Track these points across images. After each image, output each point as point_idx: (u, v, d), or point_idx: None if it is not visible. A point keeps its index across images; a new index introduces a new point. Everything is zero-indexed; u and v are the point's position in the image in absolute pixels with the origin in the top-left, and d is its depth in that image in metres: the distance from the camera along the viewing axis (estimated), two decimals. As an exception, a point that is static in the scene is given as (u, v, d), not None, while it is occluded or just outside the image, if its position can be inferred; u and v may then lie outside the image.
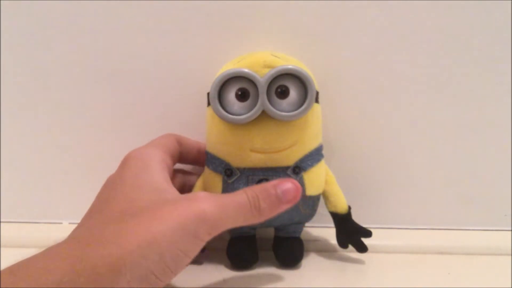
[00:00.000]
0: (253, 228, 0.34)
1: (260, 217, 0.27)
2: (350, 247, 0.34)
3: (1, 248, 0.35)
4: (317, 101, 0.31)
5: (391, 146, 0.38)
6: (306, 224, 0.34)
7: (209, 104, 0.31)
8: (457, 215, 0.39)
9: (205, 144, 0.33)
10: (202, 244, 0.25)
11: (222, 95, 0.30)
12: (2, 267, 0.22)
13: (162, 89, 0.37)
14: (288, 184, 0.27)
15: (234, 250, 0.33)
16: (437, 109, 0.37)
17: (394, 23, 0.35)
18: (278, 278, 0.32)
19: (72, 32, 0.37)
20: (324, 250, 0.36)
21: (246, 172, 0.30)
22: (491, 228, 0.39)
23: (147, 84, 0.38)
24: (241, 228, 0.33)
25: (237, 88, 0.29)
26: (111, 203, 0.26)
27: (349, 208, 0.33)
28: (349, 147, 0.38)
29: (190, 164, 0.35)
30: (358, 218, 0.33)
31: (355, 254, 0.34)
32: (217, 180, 0.31)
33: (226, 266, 0.34)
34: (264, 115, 0.29)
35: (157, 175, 0.28)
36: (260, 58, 0.30)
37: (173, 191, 0.28)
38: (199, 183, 0.33)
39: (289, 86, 0.29)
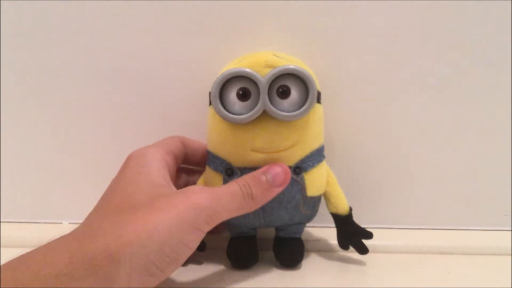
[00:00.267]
0: (253, 228, 0.34)
1: (254, 203, 0.28)
2: (351, 247, 0.34)
3: (1, 248, 0.35)
4: (318, 101, 0.31)
5: (392, 147, 0.38)
6: (307, 224, 0.34)
7: (210, 103, 0.31)
8: (457, 215, 0.39)
9: None
10: (201, 235, 0.26)
11: (223, 95, 0.30)
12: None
13: (164, 89, 0.37)
14: (277, 169, 0.29)
15: (234, 250, 0.33)
16: (437, 110, 0.37)
17: (394, 23, 0.35)
18: (278, 278, 0.32)
19: (73, 32, 0.37)
20: (324, 250, 0.36)
21: (247, 172, 0.30)
22: (491, 228, 0.39)
23: (148, 84, 0.37)
24: (241, 228, 0.33)
25: (238, 87, 0.29)
26: (110, 199, 0.27)
27: (350, 209, 0.33)
28: (351, 148, 0.38)
29: (195, 166, 0.36)
30: (359, 218, 0.33)
31: (355, 255, 0.34)
32: (217, 180, 0.31)
33: (226, 266, 0.34)
34: (265, 115, 0.29)
35: (156, 172, 0.29)
36: (261, 58, 0.30)
37: (170, 187, 0.28)
38: (200, 182, 0.33)
39: (290, 86, 0.29)
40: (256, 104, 0.29)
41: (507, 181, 0.38)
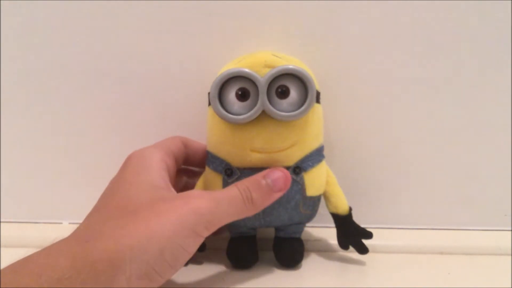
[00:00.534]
0: (253, 228, 0.34)
1: (254, 208, 0.28)
2: (351, 247, 0.34)
3: (1, 248, 0.35)
4: (318, 101, 0.31)
5: (392, 147, 0.38)
6: (307, 224, 0.34)
7: (209, 104, 0.31)
8: (457, 215, 0.39)
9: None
10: (201, 240, 0.26)
11: (222, 95, 0.30)
12: (2, 267, 0.22)
13: (163, 89, 0.37)
14: (277, 173, 0.29)
15: (234, 250, 0.33)
16: (437, 109, 0.37)
17: (394, 23, 0.35)
18: (278, 278, 0.32)
19: (72, 32, 0.37)
20: (324, 250, 0.36)
21: (246, 172, 0.30)
22: (491, 228, 0.39)
23: (148, 84, 0.38)
24: (241, 228, 0.33)
25: (237, 88, 0.29)
26: (110, 201, 0.27)
27: (350, 209, 0.33)
28: (350, 148, 0.38)
29: (196, 166, 0.36)
30: (359, 218, 0.33)
31: (355, 255, 0.34)
32: (217, 180, 0.31)
33: (226, 266, 0.34)
34: (264, 115, 0.29)
35: (155, 174, 0.29)
36: (260, 58, 0.30)
37: (169, 190, 0.28)
38: (200, 182, 0.33)
39: (289, 86, 0.29)
40: (255, 104, 0.29)
41: (507, 181, 0.38)
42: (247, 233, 0.34)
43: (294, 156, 0.30)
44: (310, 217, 0.33)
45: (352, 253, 0.34)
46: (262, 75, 0.29)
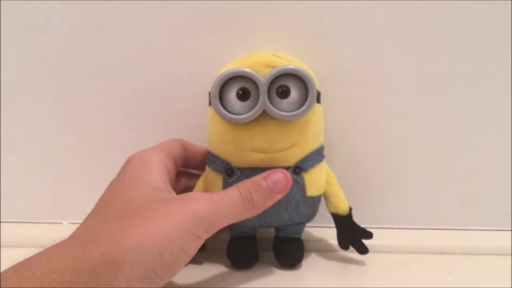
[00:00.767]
0: (253, 228, 0.34)
1: (255, 210, 0.28)
2: (351, 247, 0.34)
3: (1, 248, 0.35)
4: (318, 101, 0.31)
5: (392, 147, 0.38)
6: (307, 224, 0.34)
7: (210, 103, 0.31)
8: (457, 215, 0.39)
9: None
10: (200, 242, 0.26)
11: (223, 95, 0.30)
12: (2, 267, 0.22)
13: (164, 89, 0.37)
14: (278, 175, 0.28)
15: (234, 250, 0.33)
16: (437, 110, 0.37)
17: (395, 23, 0.35)
18: (278, 278, 0.32)
19: (72, 32, 0.37)
20: (324, 250, 0.36)
21: (247, 172, 0.30)
22: (491, 228, 0.39)
23: (148, 85, 0.37)
24: (241, 228, 0.33)
25: (238, 87, 0.29)
26: (109, 203, 0.27)
27: (350, 209, 0.33)
28: (351, 148, 0.38)
29: (196, 169, 0.36)
30: (359, 218, 0.33)
31: (355, 255, 0.34)
32: (217, 180, 0.31)
33: (226, 266, 0.34)
34: (265, 115, 0.29)
35: (155, 176, 0.29)
36: (261, 58, 0.30)
37: (169, 192, 0.28)
38: (200, 182, 0.33)
39: (290, 86, 0.29)
40: (255, 104, 0.29)
41: (507, 181, 0.38)
42: (247, 233, 0.34)
43: (295, 156, 0.30)
44: (310, 217, 0.33)
45: (352, 253, 0.34)
46: (262, 75, 0.29)
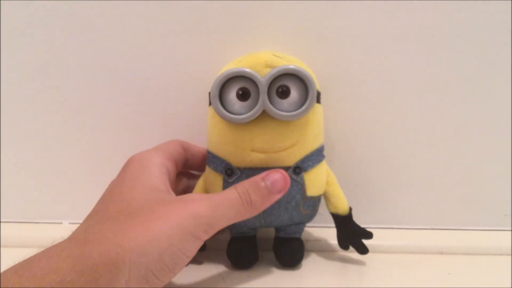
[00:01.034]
0: (253, 228, 0.34)
1: (254, 210, 0.28)
2: (351, 247, 0.34)
3: (1, 248, 0.35)
4: (318, 101, 0.31)
5: (392, 147, 0.38)
6: (307, 224, 0.34)
7: (210, 103, 0.31)
8: (457, 215, 0.39)
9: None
10: (200, 244, 0.26)
11: (223, 95, 0.30)
12: (2, 267, 0.22)
13: (164, 89, 0.37)
14: (276, 175, 0.28)
15: (234, 250, 0.33)
16: (437, 109, 0.37)
17: (395, 23, 0.35)
18: (278, 278, 0.32)
19: (72, 33, 0.37)
20: (324, 250, 0.36)
21: (247, 172, 0.30)
22: (491, 228, 0.39)
23: (148, 85, 0.38)
24: (241, 228, 0.33)
25: (238, 87, 0.29)
26: (109, 203, 0.27)
27: (350, 209, 0.33)
28: (351, 148, 0.38)
29: (195, 170, 0.36)
30: (359, 218, 0.33)
31: (355, 255, 0.34)
32: (217, 180, 0.31)
33: (226, 266, 0.34)
34: (265, 115, 0.29)
35: (155, 177, 0.29)
36: (261, 58, 0.30)
37: (169, 193, 0.29)
38: (200, 182, 0.33)
39: (290, 86, 0.29)
40: (255, 104, 0.29)
41: (507, 181, 0.38)
42: (247, 233, 0.34)
43: (295, 156, 0.30)
44: (310, 217, 0.33)
45: (352, 253, 0.34)
46: (262, 75, 0.29)
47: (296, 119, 0.29)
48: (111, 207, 0.26)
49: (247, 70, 0.29)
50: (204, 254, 0.34)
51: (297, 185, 0.31)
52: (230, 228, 0.34)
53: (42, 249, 0.23)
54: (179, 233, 0.24)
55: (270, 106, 0.29)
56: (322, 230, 0.37)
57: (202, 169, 0.34)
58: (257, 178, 0.28)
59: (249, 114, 0.29)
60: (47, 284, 0.21)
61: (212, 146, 0.32)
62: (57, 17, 0.36)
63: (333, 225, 0.34)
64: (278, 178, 0.28)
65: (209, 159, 0.32)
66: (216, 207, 0.26)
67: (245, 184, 0.28)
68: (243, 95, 0.29)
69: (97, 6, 0.36)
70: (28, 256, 0.23)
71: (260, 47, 0.35)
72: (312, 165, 0.31)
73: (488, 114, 0.37)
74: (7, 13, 0.37)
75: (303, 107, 0.29)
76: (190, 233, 0.25)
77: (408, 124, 0.38)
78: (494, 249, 0.36)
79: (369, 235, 0.33)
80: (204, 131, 0.33)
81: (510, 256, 0.35)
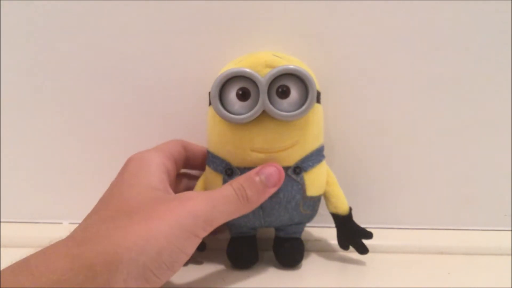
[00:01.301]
0: (253, 228, 0.34)
1: (250, 205, 0.28)
2: (351, 247, 0.34)
3: (1, 248, 0.35)
4: (318, 101, 0.31)
5: (392, 147, 0.38)
6: (307, 224, 0.34)
7: (210, 103, 0.31)
8: (457, 215, 0.39)
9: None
10: (198, 241, 0.26)
11: (223, 95, 0.30)
12: (2, 267, 0.22)
13: (164, 89, 0.37)
14: (270, 169, 0.29)
15: (234, 250, 0.33)
16: (437, 110, 0.37)
17: (395, 23, 0.35)
18: (278, 278, 0.32)
19: (72, 33, 0.37)
20: (324, 250, 0.36)
21: (247, 172, 0.30)
22: (491, 228, 0.39)
23: (148, 85, 0.37)
24: (241, 228, 0.33)
25: (238, 87, 0.29)
26: (108, 203, 0.27)
27: (350, 209, 0.33)
28: (351, 148, 0.38)
29: (196, 170, 0.36)
30: (359, 218, 0.33)
31: (355, 255, 0.34)
32: (217, 180, 0.31)
33: (226, 266, 0.34)
34: (265, 115, 0.29)
35: (154, 176, 0.29)
36: (261, 58, 0.30)
37: (167, 192, 0.29)
38: (200, 182, 0.33)
39: (290, 86, 0.29)
40: (255, 104, 0.29)
41: (507, 181, 0.38)
42: (247, 233, 0.34)
43: (295, 156, 0.30)
44: (310, 217, 0.33)
45: (352, 253, 0.34)
46: (262, 75, 0.29)
47: (296, 119, 0.29)
48: (110, 207, 0.26)
49: (247, 70, 0.29)
50: (204, 254, 0.34)
51: (297, 185, 0.31)
52: (230, 228, 0.34)
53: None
54: (177, 231, 0.24)
55: (270, 106, 0.29)
56: (322, 230, 0.37)
57: (203, 168, 0.34)
58: (251, 173, 0.29)
59: (249, 114, 0.29)
60: (43, 283, 0.21)
61: (212, 146, 0.32)
62: (57, 17, 0.36)
63: (333, 225, 0.34)
64: (272, 171, 0.29)
65: (209, 159, 0.32)
66: (213, 204, 0.26)
67: (240, 180, 0.28)
68: (243, 95, 0.29)
69: (97, 6, 0.36)
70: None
71: (260, 47, 0.35)
72: (312, 165, 0.31)
73: (488, 114, 0.37)
74: (7, 13, 0.37)
75: (303, 107, 0.29)
76: (189, 231, 0.25)
77: (408, 124, 0.38)
78: (494, 249, 0.36)
79: (369, 235, 0.33)
80: (204, 131, 0.33)
81: (510, 256, 0.35)
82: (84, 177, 0.39)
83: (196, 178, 0.35)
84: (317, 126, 0.32)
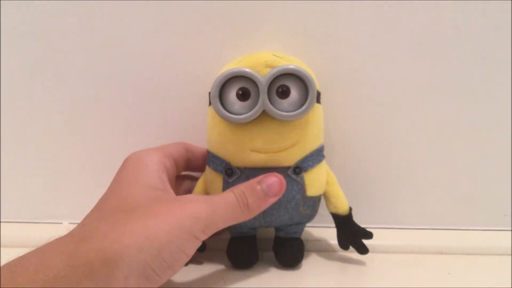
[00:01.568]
0: (253, 228, 0.34)
1: (250, 212, 0.28)
2: (351, 247, 0.34)
3: (1, 248, 0.35)
4: (318, 101, 0.31)
5: (392, 147, 0.38)
6: (307, 224, 0.34)
7: (210, 103, 0.31)
8: (457, 215, 0.39)
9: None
10: (198, 243, 0.26)
11: (223, 95, 0.30)
12: (1, 267, 0.22)
13: (164, 89, 0.37)
14: (272, 178, 0.29)
15: (234, 250, 0.33)
16: (437, 110, 0.37)
17: (395, 23, 0.35)
18: (278, 278, 0.32)
19: (72, 33, 0.37)
20: (324, 250, 0.36)
21: (247, 172, 0.30)
22: (491, 228, 0.39)
23: (148, 85, 0.38)
24: (241, 228, 0.33)
25: (238, 87, 0.29)
26: (107, 201, 0.27)
27: (350, 209, 0.33)
28: (351, 148, 0.38)
29: (199, 171, 0.36)
30: (359, 218, 0.33)
31: (355, 255, 0.34)
32: (217, 180, 0.31)
33: (226, 266, 0.34)
34: (265, 115, 0.29)
35: (153, 175, 0.29)
36: (261, 58, 0.30)
37: (166, 191, 0.29)
38: (200, 182, 0.33)
39: (290, 86, 0.29)
40: (255, 104, 0.29)
41: (507, 181, 0.38)
42: (247, 233, 0.34)
43: (295, 156, 0.30)
44: (310, 217, 0.33)
45: (352, 253, 0.34)
46: (262, 75, 0.29)
47: (296, 119, 0.29)
48: (108, 205, 0.26)
49: (247, 70, 0.29)
50: (204, 254, 0.34)
51: (297, 185, 0.31)
52: (230, 228, 0.33)
53: (40, 249, 0.23)
54: (177, 231, 0.24)
55: (270, 106, 0.29)
56: (322, 230, 0.37)
57: (204, 170, 0.34)
58: (253, 181, 0.29)
59: (249, 114, 0.29)
60: (40, 279, 0.21)
61: (212, 146, 0.32)
62: (57, 17, 0.36)
63: (333, 225, 0.34)
64: (274, 181, 0.29)
65: (209, 159, 0.32)
66: (214, 208, 0.27)
67: (242, 187, 0.28)
68: (243, 95, 0.29)
69: (97, 6, 0.36)
70: (25, 255, 0.23)
71: (260, 47, 0.35)
72: (312, 165, 0.31)
73: (488, 114, 0.37)
74: (7, 13, 0.37)
75: (303, 107, 0.29)
76: (188, 232, 0.25)
77: (408, 124, 0.38)
78: (494, 249, 0.36)
79: (369, 235, 0.33)
80: (204, 131, 0.33)
81: (510, 256, 0.35)
82: (84, 177, 0.39)
83: (196, 179, 0.35)
84: (317, 126, 0.32)
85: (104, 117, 0.38)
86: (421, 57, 0.36)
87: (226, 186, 0.31)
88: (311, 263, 0.35)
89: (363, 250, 0.33)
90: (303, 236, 0.34)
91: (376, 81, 0.37)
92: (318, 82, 0.32)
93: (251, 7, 0.35)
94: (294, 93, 0.29)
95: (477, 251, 0.36)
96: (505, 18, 0.35)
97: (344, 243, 0.34)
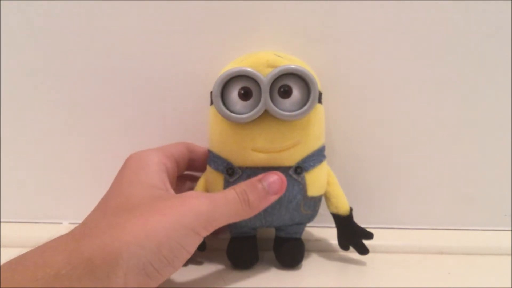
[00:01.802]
0: (253, 228, 0.34)
1: (251, 210, 0.28)
2: (351, 247, 0.34)
3: (1, 248, 0.35)
4: (320, 101, 0.31)
5: (392, 147, 0.38)
6: (307, 224, 0.34)
7: (212, 103, 0.31)
8: (457, 215, 0.39)
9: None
10: (199, 239, 0.26)
11: (225, 94, 0.30)
12: (1, 266, 0.22)
13: (165, 89, 0.37)
14: (273, 177, 0.29)
15: (234, 250, 0.33)
16: (437, 109, 0.37)
17: (395, 23, 0.36)
18: (278, 278, 0.32)
19: (73, 33, 0.37)
20: (324, 250, 0.36)
21: (248, 172, 0.30)
22: (491, 228, 0.39)
23: (149, 85, 0.37)
24: (241, 228, 0.33)
25: (240, 87, 0.29)
26: (108, 201, 0.27)
27: (351, 209, 0.33)
28: (351, 148, 0.38)
29: (201, 171, 0.36)
30: (359, 218, 0.33)
31: (355, 255, 0.34)
32: (218, 179, 0.31)
33: (226, 266, 0.34)
34: (266, 115, 0.29)
35: (153, 174, 0.29)
36: (263, 58, 0.30)
37: (167, 190, 0.29)
38: (201, 182, 0.33)
39: (292, 85, 0.29)
40: (257, 104, 0.29)
41: (507, 181, 0.38)
42: (248, 233, 0.34)
43: (296, 156, 0.30)
44: (311, 217, 0.33)
45: (352, 253, 0.34)
46: (264, 74, 0.29)
47: (298, 119, 0.29)
48: (109, 204, 0.27)
49: (249, 69, 0.29)
50: (204, 254, 0.34)
51: (298, 185, 0.31)
52: (230, 228, 0.33)
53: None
54: (178, 227, 0.25)
55: (272, 105, 0.29)
56: (323, 230, 0.37)
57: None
58: (254, 179, 0.29)
59: (250, 113, 0.29)
60: (40, 277, 0.21)
61: (213, 146, 0.32)
62: (57, 16, 0.36)
63: (334, 225, 0.34)
64: (275, 180, 0.29)
65: (210, 159, 0.32)
66: (215, 205, 0.27)
67: (243, 185, 0.28)
68: (245, 94, 0.29)
69: (97, 5, 0.36)
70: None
71: (261, 46, 0.35)
72: (313, 165, 0.31)
73: (488, 114, 0.37)
74: (7, 13, 0.37)
75: (305, 107, 0.29)
76: (189, 228, 0.25)
77: (409, 124, 0.38)
78: (494, 249, 0.36)
79: (369, 236, 0.33)
80: (206, 130, 0.33)
81: (510, 256, 0.35)
82: (84, 177, 0.39)
83: (198, 179, 0.35)
84: (318, 126, 0.32)
85: (105, 117, 0.38)
86: (421, 57, 0.36)
87: (227, 185, 0.31)
88: (312, 263, 0.35)
89: (363, 250, 0.33)
90: (304, 236, 0.34)
91: (376, 81, 0.37)
92: (320, 83, 0.32)
93: (251, 7, 0.35)
94: (296, 93, 0.29)
95: (477, 251, 0.36)
96: (505, 18, 0.35)
97: (345, 243, 0.34)
